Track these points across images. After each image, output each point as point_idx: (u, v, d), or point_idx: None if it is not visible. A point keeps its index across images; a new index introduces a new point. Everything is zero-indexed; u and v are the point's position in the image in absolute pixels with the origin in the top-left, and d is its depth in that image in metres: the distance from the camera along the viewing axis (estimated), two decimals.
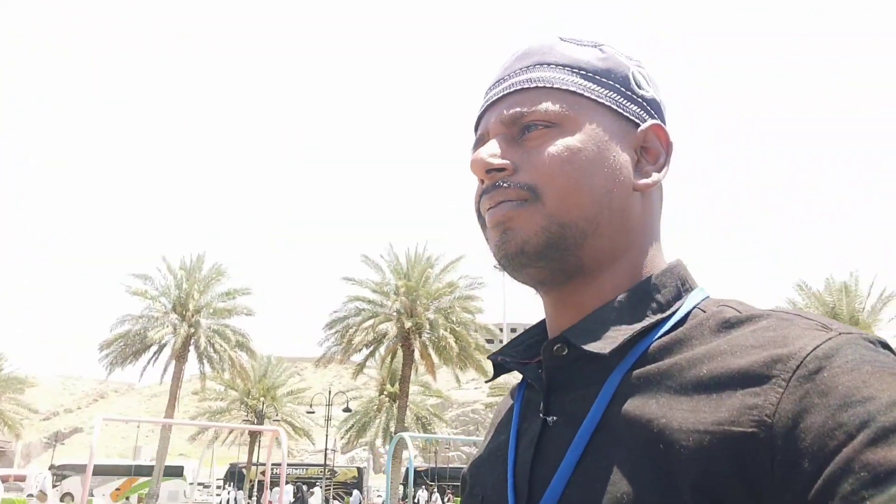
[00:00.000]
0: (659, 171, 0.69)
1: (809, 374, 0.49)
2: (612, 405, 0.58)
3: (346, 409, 28.91)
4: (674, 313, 0.63)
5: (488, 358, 0.75)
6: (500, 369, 0.73)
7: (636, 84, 0.70)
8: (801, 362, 0.50)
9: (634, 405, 0.56)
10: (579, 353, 0.62)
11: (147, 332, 26.81)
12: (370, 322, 24.23)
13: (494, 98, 0.70)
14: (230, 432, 35.94)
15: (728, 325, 0.58)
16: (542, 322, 0.73)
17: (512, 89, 0.69)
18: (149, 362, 27.57)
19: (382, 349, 24.76)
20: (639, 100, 0.70)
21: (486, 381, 0.87)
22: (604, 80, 0.69)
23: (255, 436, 33.77)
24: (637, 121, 0.69)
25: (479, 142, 0.72)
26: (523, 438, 0.66)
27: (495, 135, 0.68)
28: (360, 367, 25.98)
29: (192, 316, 27.54)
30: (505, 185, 0.65)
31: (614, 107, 0.68)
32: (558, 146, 0.65)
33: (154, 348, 27.30)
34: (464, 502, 0.75)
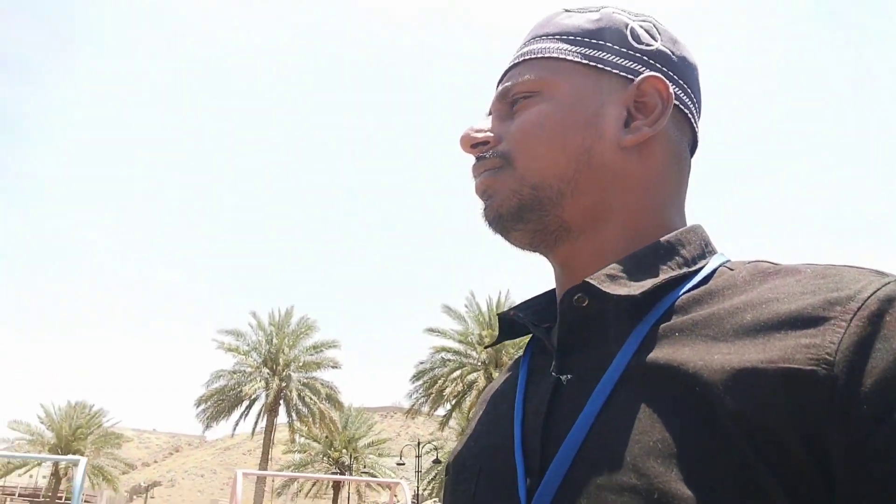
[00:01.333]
0: (650, 125, 0.65)
1: (871, 316, 0.47)
2: (638, 355, 0.54)
3: (437, 461, 29.04)
4: (700, 269, 0.60)
5: (497, 315, 0.72)
6: (505, 333, 0.71)
7: (634, 39, 0.67)
8: (863, 304, 0.47)
9: (664, 353, 0.53)
10: (601, 305, 0.58)
11: (241, 387, 27.79)
12: (458, 373, 24.60)
13: (502, 73, 0.73)
14: (313, 484, 36.42)
15: (767, 274, 0.56)
16: (552, 291, 0.71)
17: (512, 63, 0.71)
18: (241, 416, 28.47)
19: (468, 399, 25.00)
20: (636, 54, 0.67)
21: (487, 347, 0.85)
22: (592, 40, 0.67)
23: (337, 488, 34.11)
24: (631, 76, 0.66)
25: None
26: (531, 401, 0.61)
27: (493, 111, 0.71)
28: (447, 417, 26.22)
29: (283, 370, 28.47)
30: (487, 155, 0.68)
31: (599, 65, 0.66)
32: (531, 112, 0.66)
33: (246, 402, 28.23)
34: (450, 489, 0.67)
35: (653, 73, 0.66)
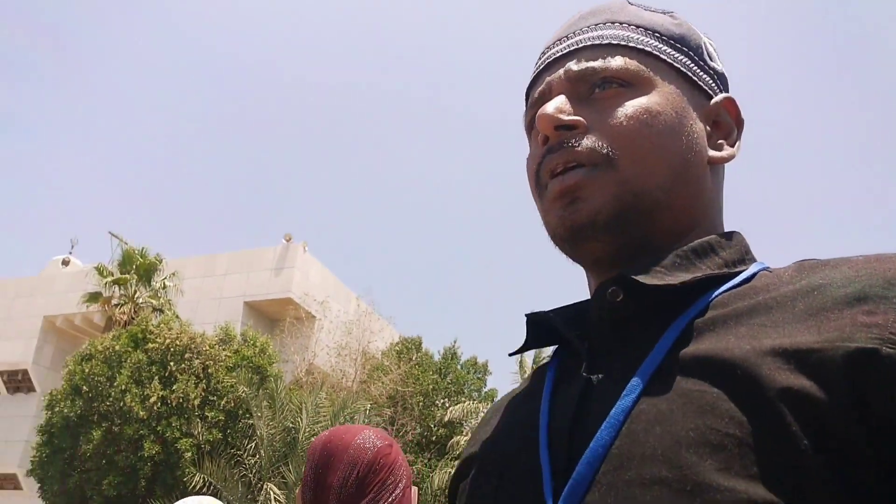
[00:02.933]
0: (732, 145, 0.65)
1: None
2: (674, 349, 0.51)
3: None
4: (741, 272, 0.57)
5: (526, 316, 0.65)
6: (532, 339, 0.65)
7: (708, 55, 0.66)
8: None
9: (704, 344, 0.50)
10: (637, 300, 0.55)
11: None
12: None
13: (558, 54, 0.65)
14: None
15: (814, 267, 0.53)
16: (585, 301, 0.64)
17: (580, 45, 0.63)
18: None
19: None
20: (710, 71, 0.66)
21: (512, 354, 0.71)
22: (679, 45, 0.64)
23: None
24: (710, 92, 0.65)
25: (540, 101, 0.64)
26: (558, 403, 0.57)
27: (560, 92, 0.62)
28: None
29: None
30: (575, 145, 0.59)
31: (690, 74, 0.64)
32: (636, 107, 0.59)
33: None
34: (468, 492, 0.61)
35: (728, 95, 0.67)
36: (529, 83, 0.69)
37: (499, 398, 0.75)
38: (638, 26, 0.64)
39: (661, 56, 0.63)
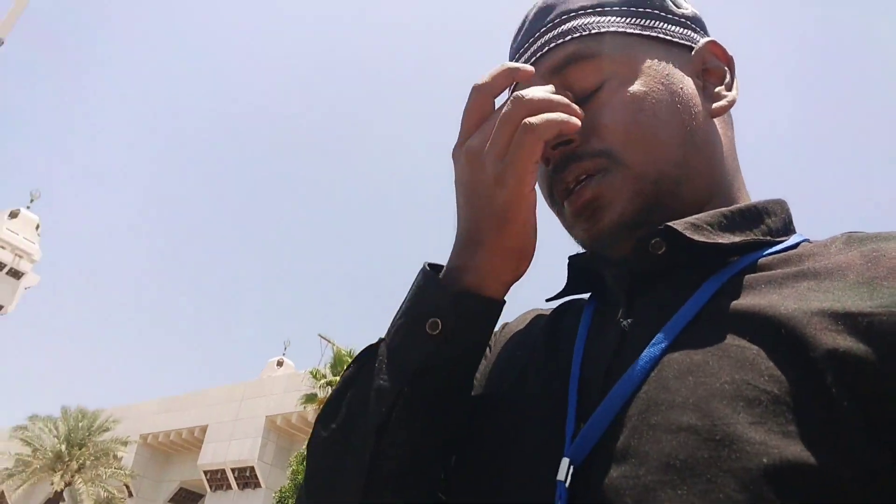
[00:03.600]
0: (729, 89, 0.63)
1: None
2: (714, 300, 0.49)
3: None
4: (785, 240, 0.55)
5: (569, 258, 0.63)
6: (569, 288, 0.64)
7: (674, 3, 0.63)
8: None
9: (747, 299, 0.48)
10: (680, 254, 0.53)
11: None
12: None
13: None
14: None
15: (864, 239, 0.49)
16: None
17: (545, 49, 0.61)
18: None
19: None
20: (682, 20, 0.63)
21: (550, 300, 0.65)
22: (640, 9, 0.61)
23: None
24: (688, 43, 0.62)
25: None
26: (591, 350, 0.54)
27: None
28: None
29: None
30: (578, 158, 0.57)
31: (661, 35, 0.61)
32: (620, 99, 0.57)
33: None
34: (478, 429, 0.57)
35: (709, 39, 0.64)
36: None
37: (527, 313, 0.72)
38: (594, 7, 0.61)
39: (627, 30, 0.60)
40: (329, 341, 23.37)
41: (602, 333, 0.56)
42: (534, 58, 0.62)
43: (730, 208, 0.57)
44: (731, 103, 0.62)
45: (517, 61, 0.63)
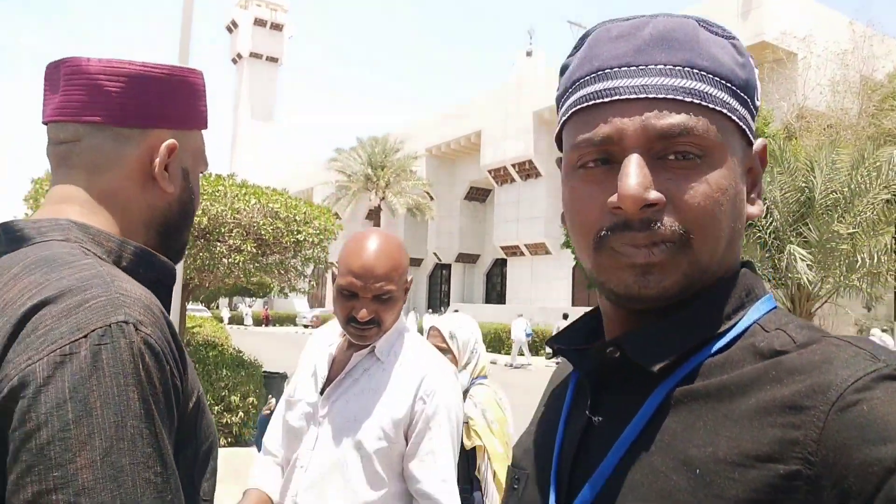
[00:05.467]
0: (759, 196, 0.66)
1: (847, 407, 0.47)
2: (656, 417, 0.58)
3: None
4: (732, 328, 0.60)
5: (546, 344, 0.74)
6: (557, 351, 0.71)
7: (756, 97, 0.64)
8: (841, 394, 0.48)
9: (677, 422, 0.56)
10: (632, 362, 0.60)
11: None
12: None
13: (632, 96, 0.58)
14: None
15: (779, 352, 0.55)
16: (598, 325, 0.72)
17: (659, 95, 0.58)
18: None
19: None
20: (755, 112, 0.64)
21: (549, 358, 0.83)
22: (742, 95, 0.61)
23: None
24: (752, 138, 0.64)
25: (606, 144, 0.59)
26: (570, 430, 0.67)
27: (633, 146, 0.58)
28: None
29: None
30: (659, 227, 0.57)
31: (746, 131, 0.62)
32: (711, 185, 0.58)
33: None
34: (508, 483, 0.75)
35: (764, 142, 0.66)
36: (572, 86, 0.64)
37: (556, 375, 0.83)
38: (715, 74, 0.60)
39: (732, 117, 0.60)
40: (580, 27, 22.33)
41: (577, 417, 0.66)
42: (648, 96, 0.59)
43: (687, 311, 0.61)
44: (760, 214, 0.66)
45: (625, 76, 0.60)
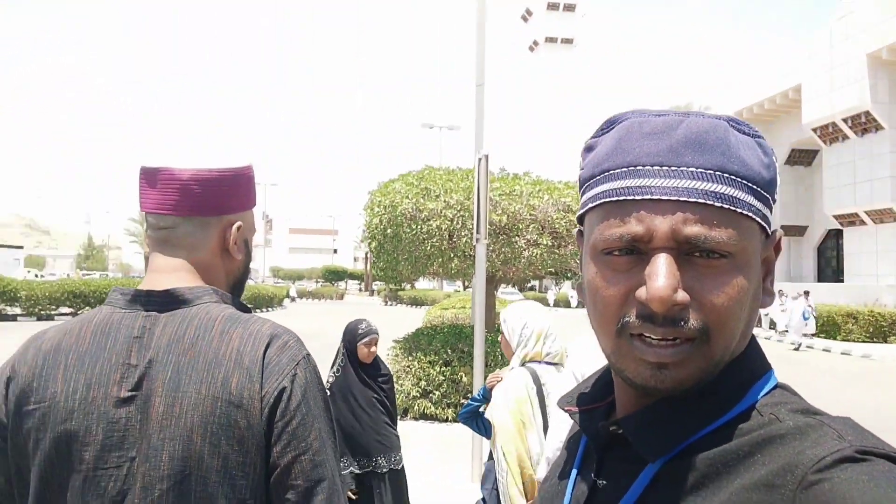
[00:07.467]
0: (772, 284, 0.68)
1: (810, 486, 0.50)
2: (650, 489, 0.62)
3: None
4: (731, 410, 0.63)
5: (557, 404, 0.79)
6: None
7: (776, 189, 0.66)
8: (805, 474, 0.51)
9: (668, 496, 0.60)
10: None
11: None
12: None
13: (664, 197, 0.60)
14: None
15: (767, 436, 0.58)
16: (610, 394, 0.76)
17: (691, 199, 0.60)
18: None
19: None
20: (773, 204, 0.67)
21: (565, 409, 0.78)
22: (765, 195, 0.64)
23: None
24: (769, 232, 0.67)
25: (635, 242, 0.61)
26: (577, 491, 0.72)
27: (663, 246, 0.60)
28: None
29: None
30: (683, 326, 0.59)
31: (767, 229, 0.66)
32: (733, 286, 0.60)
33: None
34: None
35: (781, 234, 0.69)
36: (601, 174, 0.65)
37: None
38: (743, 179, 0.61)
39: (756, 218, 0.63)
40: None
41: (584, 475, 0.72)
42: (680, 199, 0.60)
43: (693, 398, 0.63)
44: (772, 303, 0.69)
45: (657, 176, 0.61)
